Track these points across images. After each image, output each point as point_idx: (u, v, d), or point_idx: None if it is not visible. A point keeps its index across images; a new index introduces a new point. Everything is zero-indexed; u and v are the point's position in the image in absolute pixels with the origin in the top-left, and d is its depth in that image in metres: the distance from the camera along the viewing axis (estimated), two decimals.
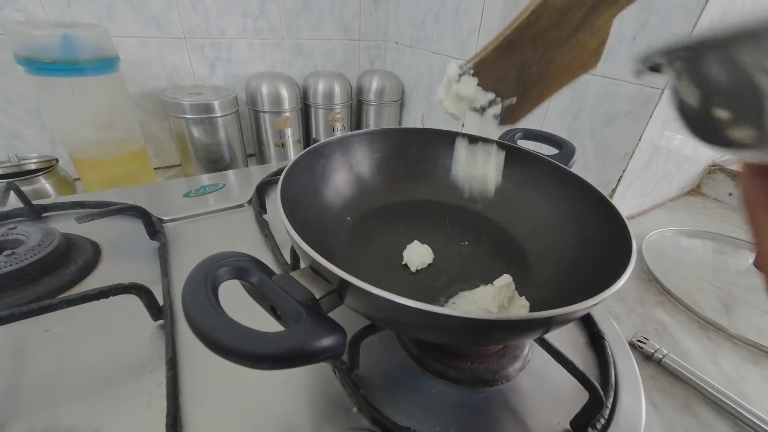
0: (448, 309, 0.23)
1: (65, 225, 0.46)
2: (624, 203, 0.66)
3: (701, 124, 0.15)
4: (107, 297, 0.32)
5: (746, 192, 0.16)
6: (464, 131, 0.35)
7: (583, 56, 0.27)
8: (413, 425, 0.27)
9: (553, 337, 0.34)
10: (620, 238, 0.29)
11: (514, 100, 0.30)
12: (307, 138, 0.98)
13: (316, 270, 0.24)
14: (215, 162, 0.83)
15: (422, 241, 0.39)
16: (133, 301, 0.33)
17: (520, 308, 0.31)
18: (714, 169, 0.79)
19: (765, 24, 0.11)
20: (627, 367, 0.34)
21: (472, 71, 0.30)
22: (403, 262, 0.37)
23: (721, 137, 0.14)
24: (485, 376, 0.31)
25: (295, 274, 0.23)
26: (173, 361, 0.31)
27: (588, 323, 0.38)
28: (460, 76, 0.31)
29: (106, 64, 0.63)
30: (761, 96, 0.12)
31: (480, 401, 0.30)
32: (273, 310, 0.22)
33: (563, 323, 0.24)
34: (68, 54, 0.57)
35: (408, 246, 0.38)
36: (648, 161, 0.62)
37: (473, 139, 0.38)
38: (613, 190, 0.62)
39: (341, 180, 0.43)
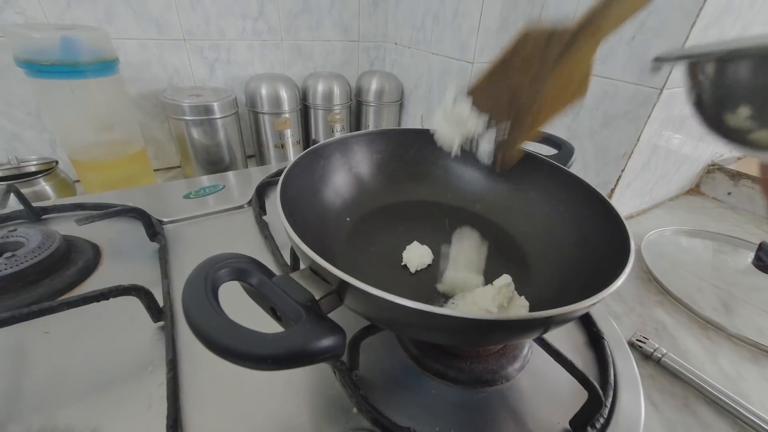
0: (448, 309, 0.23)
1: (65, 227, 0.46)
2: (623, 203, 0.66)
3: (720, 123, 0.16)
4: (107, 299, 0.32)
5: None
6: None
7: (570, 87, 0.28)
8: (413, 425, 0.27)
9: (553, 336, 0.34)
10: (619, 238, 0.29)
11: (507, 126, 0.31)
12: (306, 139, 0.98)
13: (315, 271, 0.24)
14: (215, 163, 0.83)
15: (422, 242, 0.39)
16: (134, 303, 0.33)
17: (520, 308, 0.31)
18: (713, 169, 0.79)
19: None
20: (626, 367, 0.34)
21: (467, 95, 0.32)
22: (402, 263, 0.38)
23: (740, 136, 0.15)
24: (485, 376, 0.31)
25: (294, 275, 0.24)
26: (173, 362, 0.31)
27: (587, 323, 0.38)
28: (455, 99, 0.33)
29: (106, 66, 0.63)
30: None
31: (480, 401, 0.30)
32: (273, 311, 0.22)
33: (562, 323, 0.24)
34: (68, 56, 0.57)
35: (407, 247, 0.38)
36: (647, 161, 0.62)
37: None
38: (612, 190, 0.62)
39: (341, 181, 0.43)
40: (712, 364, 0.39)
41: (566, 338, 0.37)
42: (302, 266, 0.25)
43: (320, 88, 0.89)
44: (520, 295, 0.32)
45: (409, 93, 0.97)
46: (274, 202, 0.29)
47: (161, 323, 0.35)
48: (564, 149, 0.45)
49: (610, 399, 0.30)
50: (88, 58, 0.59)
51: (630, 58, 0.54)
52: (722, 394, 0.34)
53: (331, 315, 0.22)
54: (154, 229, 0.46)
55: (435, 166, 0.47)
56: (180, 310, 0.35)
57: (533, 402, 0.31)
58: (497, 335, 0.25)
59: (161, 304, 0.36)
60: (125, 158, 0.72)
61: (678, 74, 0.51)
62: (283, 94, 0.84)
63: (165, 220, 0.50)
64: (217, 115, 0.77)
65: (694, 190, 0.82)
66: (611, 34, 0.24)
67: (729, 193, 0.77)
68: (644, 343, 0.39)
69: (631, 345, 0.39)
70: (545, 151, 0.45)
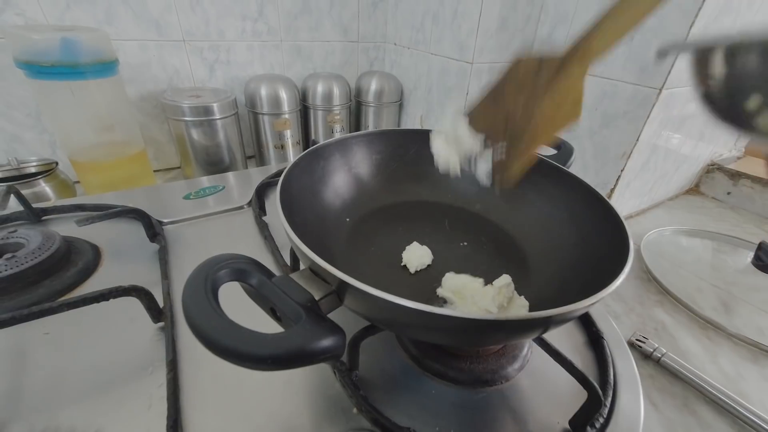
0: (447, 309, 0.23)
1: (65, 228, 0.46)
2: (623, 203, 0.66)
3: (730, 112, 0.16)
4: (107, 299, 0.32)
5: None
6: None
7: (563, 109, 0.29)
8: (413, 425, 0.27)
9: (552, 336, 0.34)
10: (618, 238, 0.29)
11: (504, 146, 0.32)
12: (306, 140, 0.98)
13: (315, 271, 0.24)
14: (215, 164, 0.83)
15: (421, 242, 0.39)
16: (134, 304, 0.33)
17: (520, 308, 0.31)
18: (712, 169, 0.79)
19: None
20: (626, 367, 0.34)
21: (464, 116, 0.34)
22: (402, 263, 0.38)
23: (749, 124, 0.15)
24: (485, 376, 0.31)
25: (294, 276, 0.24)
26: (174, 362, 0.31)
27: (587, 323, 0.38)
28: (454, 119, 0.35)
29: (106, 67, 0.63)
30: None
31: (479, 401, 0.30)
32: (273, 312, 0.22)
33: (561, 323, 0.25)
34: (68, 57, 0.57)
35: (407, 247, 0.38)
36: (646, 161, 0.62)
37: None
38: (612, 190, 0.62)
39: (340, 181, 0.43)
40: (712, 364, 0.39)
41: (566, 338, 0.37)
42: (302, 267, 0.25)
43: (320, 88, 0.89)
44: (520, 295, 0.32)
45: (409, 93, 0.97)
46: (274, 202, 0.29)
47: (161, 324, 0.35)
48: (563, 149, 0.45)
49: (609, 399, 0.30)
50: (88, 59, 0.59)
51: (629, 58, 0.54)
52: (722, 393, 0.34)
53: (331, 315, 0.23)
54: (154, 229, 0.46)
55: (434, 166, 0.47)
56: (180, 311, 0.35)
57: (533, 402, 0.31)
58: (497, 335, 0.25)
59: (161, 304, 0.36)
60: (125, 159, 0.72)
61: (677, 74, 0.51)
62: (283, 95, 0.84)
63: (165, 220, 0.50)
64: (217, 116, 0.77)
65: (694, 189, 0.82)
66: (597, 61, 0.26)
67: (728, 193, 0.77)
68: (644, 342, 0.39)
69: (631, 345, 0.39)
70: (545, 151, 0.45)
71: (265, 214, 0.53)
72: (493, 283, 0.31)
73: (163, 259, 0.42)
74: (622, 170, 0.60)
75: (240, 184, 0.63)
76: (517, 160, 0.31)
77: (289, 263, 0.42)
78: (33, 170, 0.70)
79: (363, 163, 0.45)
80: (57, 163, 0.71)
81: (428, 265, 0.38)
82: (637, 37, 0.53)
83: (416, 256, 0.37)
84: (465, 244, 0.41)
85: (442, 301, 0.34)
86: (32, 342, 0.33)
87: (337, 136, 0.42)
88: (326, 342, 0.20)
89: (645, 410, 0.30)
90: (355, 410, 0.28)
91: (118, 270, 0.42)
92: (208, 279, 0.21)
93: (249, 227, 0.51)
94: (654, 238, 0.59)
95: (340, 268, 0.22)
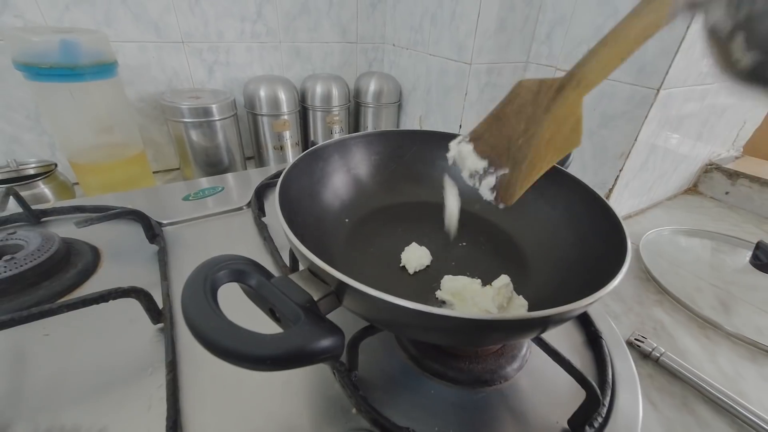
0: (446, 310, 0.23)
1: (65, 229, 0.46)
2: (621, 203, 0.66)
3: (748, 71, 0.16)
4: (107, 301, 0.32)
5: None
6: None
7: (564, 132, 0.29)
8: (412, 425, 0.27)
9: (551, 336, 0.34)
10: (616, 237, 0.29)
11: (506, 170, 0.33)
12: (305, 140, 0.98)
13: (314, 272, 0.24)
14: (214, 165, 0.83)
15: (420, 243, 0.39)
16: (133, 305, 0.33)
17: (519, 308, 0.31)
18: (711, 168, 0.80)
19: None
20: (624, 366, 0.34)
21: (468, 140, 0.35)
22: (401, 264, 0.38)
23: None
24: (484, 376, 0.31)
25: (293, 277, 0.24)
26: (173, 363, 0.31)
27: (585, 322, 0.38)
28: (459, 143, 0.36)
29: (105, 68, 0.63)
30: None
31: (479, 401, 0.30)
32: (272, 312, 0.22)
33: (560, 322, 0.25)
34: (67, 59, 0.57)
35: (406, 248, 0.38)
36: (645, 161, 0.62)
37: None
38: (611, 190, 0.62)
39: (339, 182, 0.43)
40: (711, 363, 0.39)
41: (565, 338, 0.37)
42: (301, 267, 0.25)
43: (319, 89, 0.90)
44: (519, 295, 0.32)
45: (408, 94, 0.98)
46: (273, 203, 0.30)
47: (161, 325, 0.35)
48: None
49: (608, 398, 0.30)
50: (87, 61, 0.59)
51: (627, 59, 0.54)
52: (721, 392, 0.34)
53: (330, 316, 0.23)
54: (153, 231, 0.46)
55: (433, 167, 0.47)
56: (179, 312, 0.35)
57: (532, 401, 0.31)
58: (496, 335, 0.25)
59: (161, 305, 0.36)
60: (124, 161, 0.72)
61: (674, 74, 0.51)
62: (282, 96, 0.84)
63: (164, 222, 0.50)
64: (216, 117, 0.77)
65: (692, 189, 0.82)
66: (592, 88, 0.27)
67: (727, 193, 0.77)
68: (643, 342, 0.39)
69: (630, 344, 0.39)
70: None
71: (264, 215, 0.53)
72: (492, 283, 0.31)
73: (163, 260, 0.42)
74: (620, 170, 0.60)
75: (239, 185, 0.63)
76: (519, 181, 0.32)
77: (288, 264, 0.42)
78: (32, 172, 0.70)
79: (362, 164, 0.45)
80: (56, 165, 0.71)
81: (427, 266, 0.38)
82: None
83: (415, 256, 0.37)
84: (464, 244, 0.41)
85: (441, 303, 0.34)
86: (32, 343, 0.33)
87: (336, 137, 0.42)
88: (325, 342, 0.20)
89: (644, 409, 0.30)
90: (354, 410, 0.28)
91: (117, 271, 0.42)
92: (208, 280, 0.21)
93: (248, 228, 0.51)
94: (653, 237, 0.60)
95: (339, 269, 0.22)
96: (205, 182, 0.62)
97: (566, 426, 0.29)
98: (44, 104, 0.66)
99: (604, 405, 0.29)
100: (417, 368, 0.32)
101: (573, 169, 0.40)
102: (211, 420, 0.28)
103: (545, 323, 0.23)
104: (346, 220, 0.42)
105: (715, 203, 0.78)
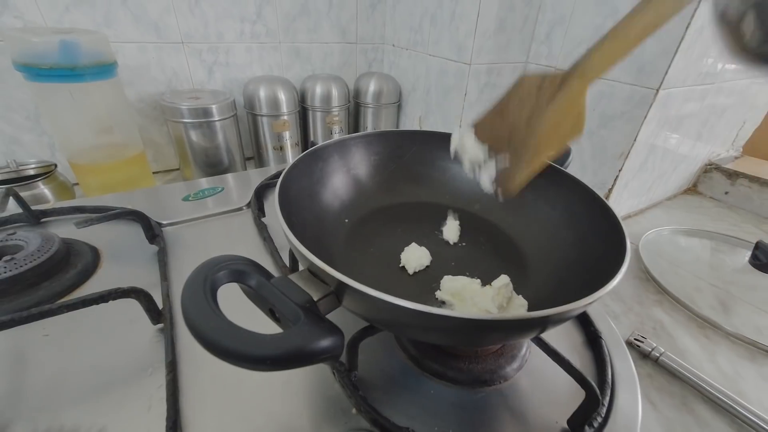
0: (446, 310, 0.24)
1: (64, 230, 0.46)
2: (621, 203, 0.66)
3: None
4: (107, 301, 0.32)
5: None
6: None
7: (565, 124, 0.30)
8: (412, 425, 0.27)
9: (551, 336, 0.34)
10: (615, 237, 0.29)
11: (507, 157, 0.34)
12: (305, 141, 0.98)
13: (314, 272, 0.24)
14: (214, 166, 0.83)
15: (420, 243, 0.39)
16: (133, 305, 0.34)
17: (519, 307, 0.31)
18: (710, 168, 0.80)
19: None
20: (624, 366, 0.34)
21: (471, 129, 0.36)
22: (400, 264, 0.38)
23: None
24: (483, 376, 0.31)
25: (293, 277, 0.24)
26: (173, 364, 0.31)
27: (585, 322, 0.38)
28: (461, 130, 0.37)
29: (105, 69, 0.63)
30: None
31: (478, 401, 0.30)
32: (271, 313, 0.22)
33: (559, 322, 0.25)
34: (67, 60, 0.57)
35: (405, 248, 0.38)
36: (644, 161, 0.62)
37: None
38: (610, 190, 0.62)
39: (339, 183, 0.43)
40: (710, 363, 0.39)
41: (564, 338, 0.37)
42: (301, 268, 0.25)
43: (318, 90, 0.90)
44: (518, 295, 0.32)
45: (407, 94, 0.98)
46: (272, 204, 0.30)
47: (160, 325, 0.35)
48: None
49: (607, 398, 0.30)
50: (87, 61, 0.59)
51: (627, 59, 0.55)
52: (720, 392, 0.34)
53: (330, 316, 0.23)
54: (153, 231, 0.46)
55: (433, 167, 0.47)
56: (179, 312, 0.35)
57: (531, 401, 0.31)
58: (495, 335, 0.25)
59: (160, 306, 0.36)
60: (124, 161, 0.72)
61: (674, 74, 0.51)
62: (282, 96, 0.84)
63: (164, 222, 0.50)
64: (216, 118, 0.77)
65: (692, 189, 0.82)
66: (597, 78, 0.28)
67: (726, 193, 0.77)
68: (642, 342, 0.39)
69: (629, 344, 0.39)
70: None
71: (264, 216, 0.53)
72: (492, 283, 0.31)
73: (162, 260, 0.42)
74: (620, 170, 0.60)
75: (239, 185, 0.63)
76: (520, 171, 0.32)
77: (288, 264, 0.42)
78: (32, 172, 0.70)
79: (361, 164, 0.46)
80: (56, 165, 0.71)
81: (427, 266, 0.38)
82: None
83: (415, 257, 0.37)
84: (463, 244, 0.41)
85: (441, 304, 0.34)
86: (32, 344, 0.33)
87: (336, 137, 0.42)
88: (325, 342, 0.20)
89: (643, 409, 0.30)
90: (354, 410, 0.28)
91: (117, 272, 0.42)
92: (207, 280, 0.21)
93: (248, 228, 0.51)
94: (652, 237, 0.60)
95: (339, 269, 0.22)
96: (204, 183, 0.62)
97: (566, 426, 0.29)
98: (44, 105, 0.66)
99: (603, 405, 0.29)
100: (417, 368, 0.32)
101: (572, 169, 0.40)
102: (211, 420, 0.28)
103: (545, 323, 0.23)
104: (346, 221, 0.42)
105: (715, 203, 0.78)
